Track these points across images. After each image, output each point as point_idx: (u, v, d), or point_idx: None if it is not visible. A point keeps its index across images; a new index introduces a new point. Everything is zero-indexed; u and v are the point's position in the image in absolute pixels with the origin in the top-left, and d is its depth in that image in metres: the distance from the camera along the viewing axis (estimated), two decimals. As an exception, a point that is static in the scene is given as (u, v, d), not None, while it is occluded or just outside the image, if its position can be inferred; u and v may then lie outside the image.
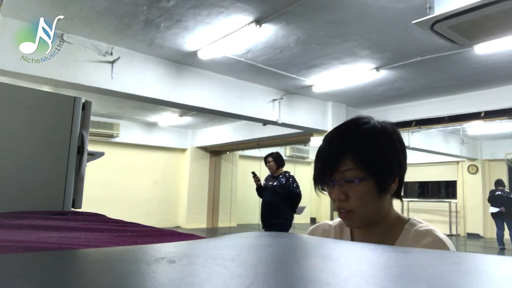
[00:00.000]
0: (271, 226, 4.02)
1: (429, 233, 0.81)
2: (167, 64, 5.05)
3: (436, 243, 0.79)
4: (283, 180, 4.02)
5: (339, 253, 0.42)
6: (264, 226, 4.21)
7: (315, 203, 9.99)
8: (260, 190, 4.24)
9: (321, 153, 0.86)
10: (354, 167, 0.80)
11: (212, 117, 8.02)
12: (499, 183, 8.19)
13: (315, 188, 0.88)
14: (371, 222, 0.85)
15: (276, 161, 4.10)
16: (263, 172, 4.52)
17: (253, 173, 4.32)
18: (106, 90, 4.61)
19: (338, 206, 0.85)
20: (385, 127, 0.85)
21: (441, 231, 0.84)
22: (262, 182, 4.25)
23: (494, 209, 8.04)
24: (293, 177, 4.08)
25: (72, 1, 3.52)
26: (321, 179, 0.85)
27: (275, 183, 4.06)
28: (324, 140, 0.88)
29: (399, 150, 0.84)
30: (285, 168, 4.22)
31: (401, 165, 0.84)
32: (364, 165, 0.80)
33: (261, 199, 4.28)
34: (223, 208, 10.53)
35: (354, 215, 0.83)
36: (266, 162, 4.17)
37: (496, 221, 8.15)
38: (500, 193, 8.06)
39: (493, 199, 8.14)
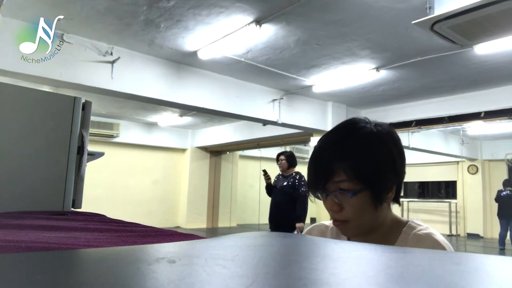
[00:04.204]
0: (280, 227, 3.86)
1: (428, 237, 0.79)
2: (167, 64, 5.05)
3: (435, 247, 0.78)
4: (294, 181, 3.86)
5: (339, 253, 0.42)
6: (272, 227, 4.05)
7: (314, 203, 9.99)
8: (270, 189, 4.08)
9: (314, 160, 0.82)
10: (348, 179, 0.76)
11: (212, 117, 8.02)
12: (507, 183, 8.18)
13: (308, 194, 0.86)
14: (367, 231, 0.83)
15: (288, 160, 3.95)
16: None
17: (264, 171, 4.13)
18: (106, 90, 4.61)
19: (333, 216, 0.83)
20: (381, 132, 0.80)
21: (441, 231, 0.84)
22: (273, 180, 4.11)
23: None
24: (303, 177, 3.90)
25: (72, 1, 3.52)
26: (314, 188, 0.82)
27: (284, 183, 3.91)
28: (318, 146, 0.83)
29: (396, 156, 0.80)
30: None
31: (398, 173, 0.81)
32: (359, 177, 0.76)
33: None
34: (223, 208, 10.53)
35: (349, 225, 0.81)
36: (277, 160, 4.00)
37: (501, 222, 8.14)
38: (507, 193, 8.06)
39: (500, 199, 8.15)
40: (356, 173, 0.76)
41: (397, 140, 0.83)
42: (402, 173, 0.82)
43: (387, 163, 0.78)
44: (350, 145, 0.78)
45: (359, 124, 0.82)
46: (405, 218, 0.88)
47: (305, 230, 1.04)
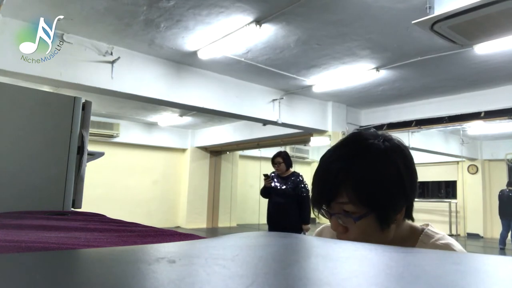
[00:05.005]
0: (279, 228, 3.78)
1: (446, 247, 0.77)
2: (167, 64, 5.05)
3: None
4: (295, 182, 3.80)
5: (339, 253, 0.42)
6: (270, 228, 3.97)
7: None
8: (267, 191, 3.96)
9: (319, 178, 0.79)
10: (352, 202, 0.73)
11: (212, 117, 8.02)
12: (510, 184, 8.19)
13: (313, 210, 0.82)
14: None
15: (285, 162, 3.87)
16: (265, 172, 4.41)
17: (266, 175, 4.00)
18: (106, 90, 4.61)
19: (337, 237, 0.80)
20: (389, 149, 0.76)
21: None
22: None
23: None
24: (303, 177, 3.86)
25: (72, 1, 3.52)
26: (318, 206, 0.79)
27: (285, 185, 3.83)
28: (323, 162, 0.80)
29: (405, 176, 0.75)
30: None
31: (408, 193, 0.76)
32: (363, 201, 0.73)
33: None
34: (223, 208, 10.53)
35: None
36: (274, 163, 3.90)
37: (503, 221, 8.15)
38: (510, 194, 8.07)
39: (502, 198, 8.17)
40: (360, 197, 0.73)
41: (407, 157, 0.78)
42: (413, 192, 0.78)
43: (394, 184, 0.74)
44: (354, 166, 0.75)
45: (366, 141, 0.77)
46: (419, 224, 0.84)
47: (315, 231, 1.02)
